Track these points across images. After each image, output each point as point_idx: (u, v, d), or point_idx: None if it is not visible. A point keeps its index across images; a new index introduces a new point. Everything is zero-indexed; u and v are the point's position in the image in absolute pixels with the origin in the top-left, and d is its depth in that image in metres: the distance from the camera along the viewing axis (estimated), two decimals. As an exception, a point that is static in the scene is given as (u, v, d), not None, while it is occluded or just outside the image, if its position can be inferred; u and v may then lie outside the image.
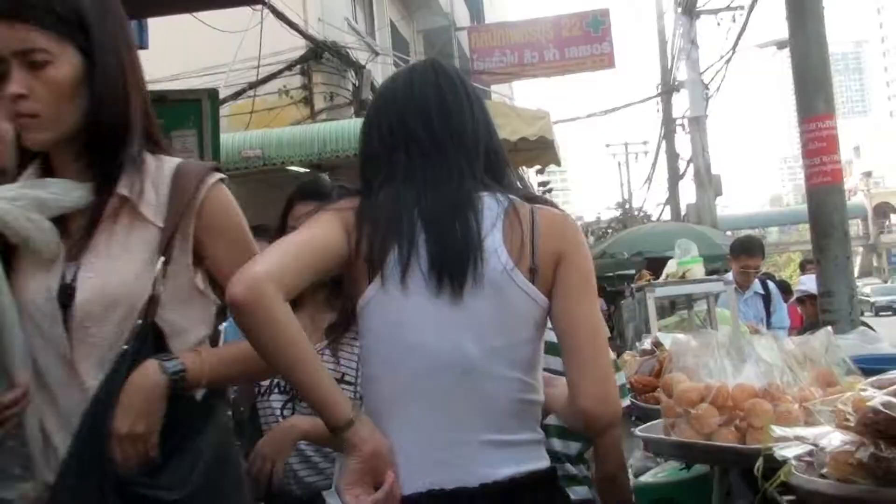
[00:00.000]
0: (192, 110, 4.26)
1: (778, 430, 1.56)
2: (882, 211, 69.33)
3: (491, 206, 1.59)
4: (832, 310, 5.04)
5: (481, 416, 1.54)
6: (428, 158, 1.61)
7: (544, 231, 1.58)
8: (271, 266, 1.46)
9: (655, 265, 12.48)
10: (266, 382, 2.40)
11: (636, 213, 30.98)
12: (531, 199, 1.66)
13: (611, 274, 14.17)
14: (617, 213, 34.54)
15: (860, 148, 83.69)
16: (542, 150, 10.78)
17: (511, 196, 1.62)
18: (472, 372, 1.53)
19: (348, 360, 2.34)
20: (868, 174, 74.36)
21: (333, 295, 2.29)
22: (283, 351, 1.46)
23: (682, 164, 20.11)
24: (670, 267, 5.27)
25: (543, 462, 1.62)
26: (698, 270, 5.14)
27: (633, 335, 7.08)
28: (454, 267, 1.53)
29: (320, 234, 1.56)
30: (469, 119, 1.64)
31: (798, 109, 5.29)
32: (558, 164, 10.89)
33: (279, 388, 2.39)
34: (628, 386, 2.86)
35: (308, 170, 10.48)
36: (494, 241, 1.56)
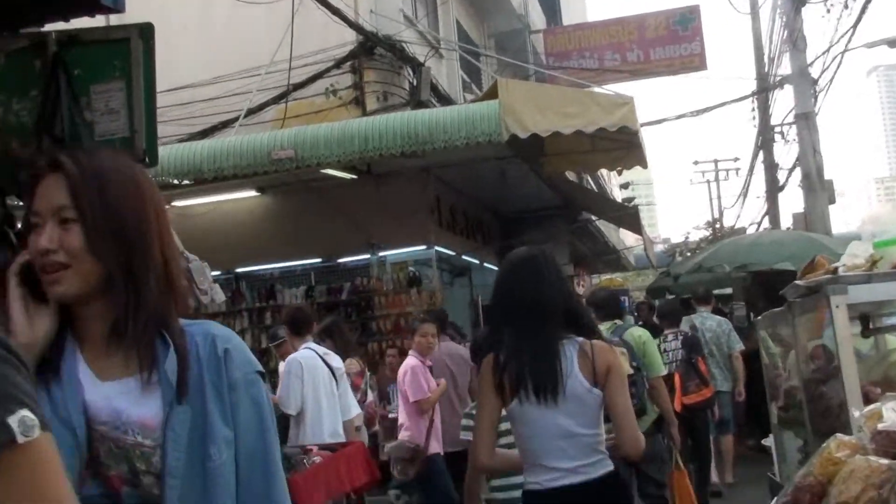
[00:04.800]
0: (118, 54, 3.02)
1: None
2: None
3: (570, 350, 3.15)
4: None
5: (580, 453, 3.11)
6: (531, 315, 3.19)
7: (599, 358, 3.14)
8: (484, 453, 3.27)
9: (762, 280, 10.54)
10: None
11: (728, 232, 29.03)
12: (593, 331, 3.36)
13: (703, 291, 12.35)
14: (707, 233, 32.66)
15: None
16: (626, 150, 9.29)
17: (579, 340, 3.19)
18: (571, 435, 3.11)
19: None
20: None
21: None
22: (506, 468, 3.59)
23: (781, 175, 18.30)
24: (854, 254, 2.87)
25: (611, 468, 3.18)
26: None
27: (789, 379, 3.86)
28: (549, 392, 3.10)
29: (493, 404, 3.22)
30: (554, 293, 3.23)
31: None
32: (644, 165, 9.35)
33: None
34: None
35: (351, 175, 9.22)
36: (575, 371, 3.11)
